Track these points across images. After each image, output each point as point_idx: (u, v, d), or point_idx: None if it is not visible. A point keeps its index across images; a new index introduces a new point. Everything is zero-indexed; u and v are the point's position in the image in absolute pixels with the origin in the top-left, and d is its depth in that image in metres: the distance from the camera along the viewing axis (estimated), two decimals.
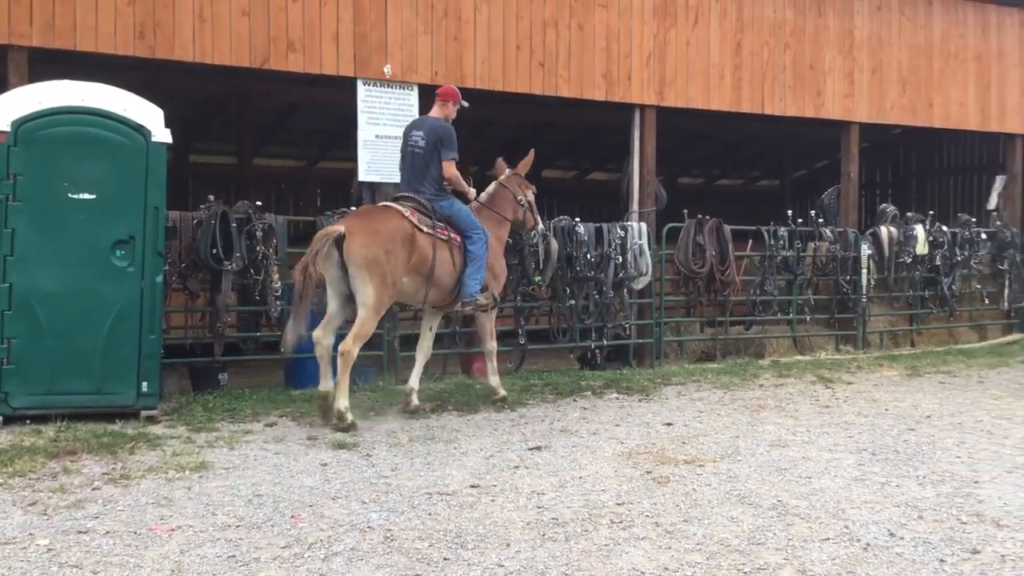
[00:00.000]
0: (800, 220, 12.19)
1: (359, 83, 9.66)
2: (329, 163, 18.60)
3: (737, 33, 11.83)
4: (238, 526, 4.90)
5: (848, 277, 12.10)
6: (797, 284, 11.91)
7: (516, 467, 6.15)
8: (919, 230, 12.63)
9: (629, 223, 10.81)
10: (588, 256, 10.26)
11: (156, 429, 7.09)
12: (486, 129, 17.08)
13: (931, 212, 13.47)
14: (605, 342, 10.49)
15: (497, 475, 5.95)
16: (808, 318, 12.01)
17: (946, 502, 5.37)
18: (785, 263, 11.83)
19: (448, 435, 7.10)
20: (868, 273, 12.20)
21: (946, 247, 12.81)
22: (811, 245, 12.15)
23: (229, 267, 8.53)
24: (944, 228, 12.94)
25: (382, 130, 9.75)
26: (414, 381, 8.08)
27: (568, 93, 10.82)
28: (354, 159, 9.77)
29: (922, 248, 12.58)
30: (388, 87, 9.79)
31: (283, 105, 14.88)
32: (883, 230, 12.50)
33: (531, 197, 8.65)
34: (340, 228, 7.27)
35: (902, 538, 4.74)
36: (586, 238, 10.28)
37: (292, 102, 14.31)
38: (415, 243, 7.45)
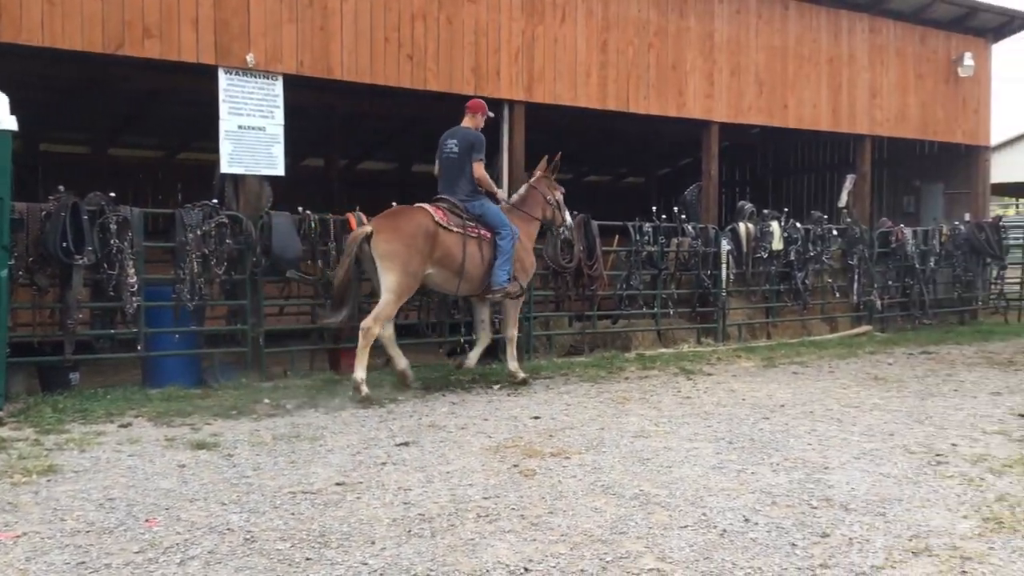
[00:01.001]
0: (664, 216, 12.49)
1: (220, 71, 9.38)
2: (191, 154, 18.00)
3: (603, 32, 12.03)
4: (88, 532, 4.68)
5: (709, 272, 12.48)
6: (661, 279, 12.21)
7: (383, 463, 6.09)
8: (775, 227, 13.13)
9: None
10: None
11: (1, 431, 6.71)
12: (357, 122, 16.86)
13: (786, 209, 14.05)
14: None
15: (364, 472, 5.87)
16: (671, 312, 12.33)
17: (798, 488, 5.59)
18: (650, 258, 12.10)
19: (314, 432, 6.97)
20: (727, 268, 12.61)
21: (800, 243, 13.35)
22: (674, 241, 12.47)
23: (80, 261, 8.15)
24: (798, 225, 13.48)
25: (245, 120, 9.49)
26: (472, 361, 9.42)
27: (437, 87, 10.78)
28: (216, 150, 9.48)
29: (778, 244, 13.09)
30: (252, 76, 9.53)
31: (141, 93, 14.30)
32: (741, 226, 12.94)
33: (559, 197, 9.84)
34: (368, 228, 8.39)
35: (756, 523, 4.91)
36: None
37: (151, 90, 13.77)
38: (438, 239, 8.46)
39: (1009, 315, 15.95)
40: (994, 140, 18.62)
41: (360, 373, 8.15)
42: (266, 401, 8.08)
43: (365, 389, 8.13)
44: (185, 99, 13.63)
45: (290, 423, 7.33)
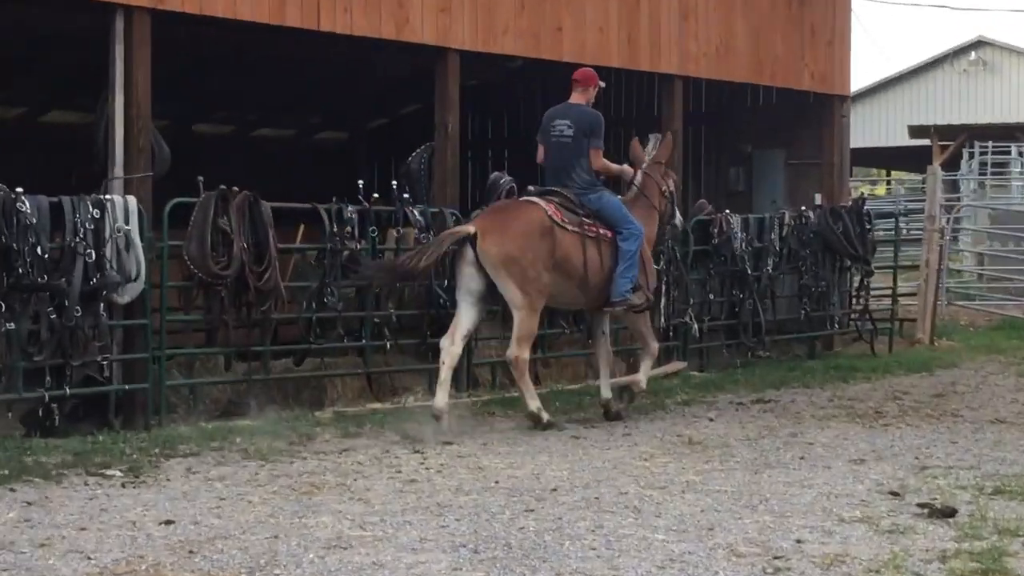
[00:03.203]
0: (377, 195, 12.52)
1: None
2: None
3: None
4: None
5: (446, 282, 12.61)
6: (373, 293, 12.25)
7: None
8: None
9: (109, 196, 10.59)
10: (39, 250, 9.92)
11: None
12: None
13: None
14: (68, 391, 10.21)
15: None
16: (389, 345, 12.36)
17: None
18: (355, 261, 12.08)
19: None
20: None
21: None
22: (393, 232, 12.51)
23: None
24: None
25: None
26: (606, 391, 11.57)
27: None
28: None
29: None
30: None
31: None
32: None
33: (672, 187, 12.30)
34: (470, 228, 10.72)
35: None
36: (35, 220, 9.93)
37: None
38: (555, 238, 10.78)
39: (877, 343, 17.17)
40: (856, 86, 20.11)
41: (533, 404, 10.78)
42: None
43: (545, 416, 10.83)
44: None
45: None
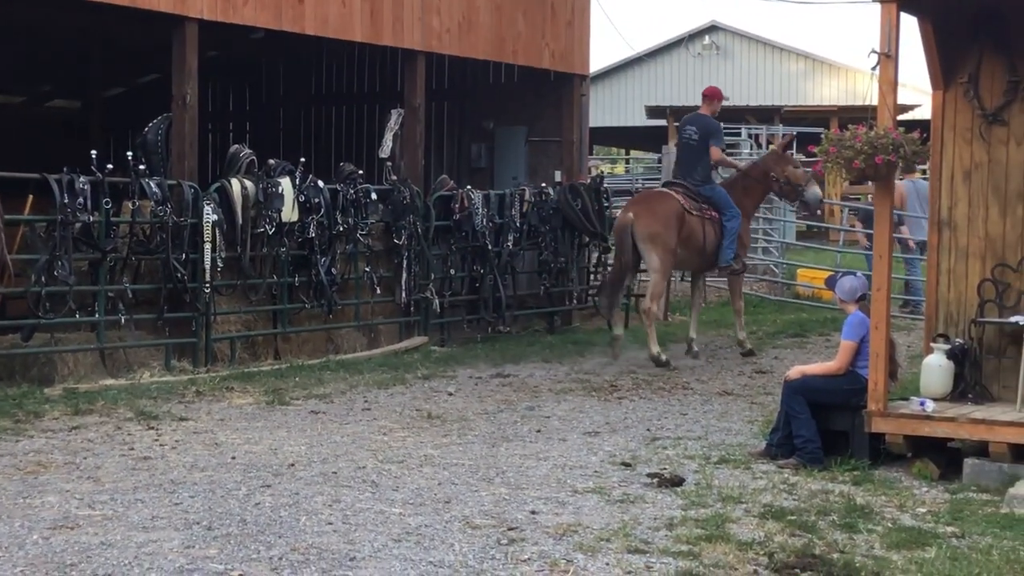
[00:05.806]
0: (112, 166, 12.21)
1: None
2: None
3: None
4: None
5: (184, 256, 12.39)
6: (107, 267, 11.96)
7: None
8: (286, 186, 13.33)
9: None
10: None
11: None
12: None
13: (303, 159, 14.29)
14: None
15: None
16: (123, 319, 12.10)
17: None
18: (88, 234, 11.78)
19: None
20: (214, 250, 12.61)
21: (324, 212, 13.69)
22: (128, 205, 12.22)
23: None
24: (321, 184, 13.82)
25: None
26: (693, 332, 15.00)
27: None
28: None
29: (291, 213, 13.31)
30: None
31: None
32: (235, 185, 12.99)
33: (788, 172, 15.06)
34: (631, 215, 14.12)
35: None
36: None
37: None
38: (684, 221, 14.11)
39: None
40: (596, 67, 20.51)
41: (655, 348, 13.81)
42: None
43: (664, 356, 13.79)
44: None
45: None
